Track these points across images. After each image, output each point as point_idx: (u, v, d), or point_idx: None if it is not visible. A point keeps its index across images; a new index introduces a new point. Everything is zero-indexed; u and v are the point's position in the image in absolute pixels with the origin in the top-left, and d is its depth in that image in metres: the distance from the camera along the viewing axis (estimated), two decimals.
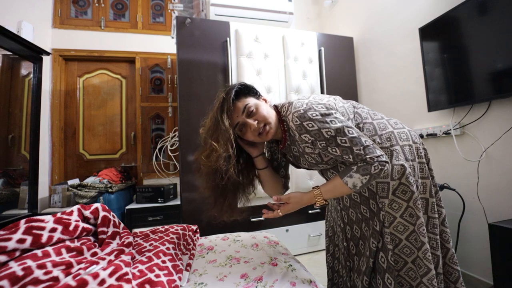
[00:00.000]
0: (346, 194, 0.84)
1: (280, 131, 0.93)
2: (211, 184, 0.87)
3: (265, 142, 1.05)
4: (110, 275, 0.68)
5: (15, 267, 0.63)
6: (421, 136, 1.72)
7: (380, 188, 0.87)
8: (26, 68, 1.86)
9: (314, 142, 0.82)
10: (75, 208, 0.93)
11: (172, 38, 2.09)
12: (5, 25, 1.35)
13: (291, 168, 2.09)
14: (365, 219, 0.93)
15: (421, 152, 0.92)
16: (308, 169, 1.00)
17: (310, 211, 2.07)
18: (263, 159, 0.97)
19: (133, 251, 0.90)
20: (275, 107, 0.95)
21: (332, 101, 0.91)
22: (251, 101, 0.88)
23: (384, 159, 0.77)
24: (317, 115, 0.80)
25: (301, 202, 0.86)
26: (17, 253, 0.69)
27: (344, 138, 0.78)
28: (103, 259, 0.77)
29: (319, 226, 2.10)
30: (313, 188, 0.86)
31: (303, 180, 2.03)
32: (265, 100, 0.93)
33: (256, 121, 0.85)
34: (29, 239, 0.72)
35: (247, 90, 0.91)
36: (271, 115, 0.88)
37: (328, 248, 1.14)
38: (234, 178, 0.84)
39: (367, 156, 0.76)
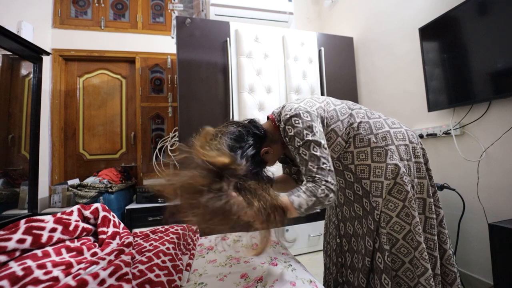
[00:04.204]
0: (292, 215, 0.76)
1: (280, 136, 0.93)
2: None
3: None
4: (110, 275, 0.68)
5: (15, 267, 0.63)
6: (421, 136, 1.72)
7: (373, 187, 0.87)
8: (26, 68, 1.86)
9: (289, 144, 0.85)
10: (75, 208, 0.93)
11: (172, 38, 2.09)
12: (5, 25, 1.35)
13: None
14: (358, 217, 0.94)
15: (418, 152, 0.92)
16: None
17: None
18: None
19: (133, 251, 0.90)
20: (272, 115, 0.96)
21: (323, 106, 0.92)
22: None
23: (332, 187, 0.75)
24: (298, 123, 0.82)
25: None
26: (17, 253, 0.69)
27: (306, 151, 0.79)
28: (103, 259, 0.77)
29: (319, 226, 2.10)
30: None
31: None
32: (266, 152, 0.90)
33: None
34: (29, 239, 0.72)
35: None
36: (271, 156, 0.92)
37: (323, 245, 1.17)
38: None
39: (317, 176, 0.76)
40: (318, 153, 0.78)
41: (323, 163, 0.78)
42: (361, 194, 0.91)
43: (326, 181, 0.75)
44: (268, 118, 0.97)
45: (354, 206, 0.95)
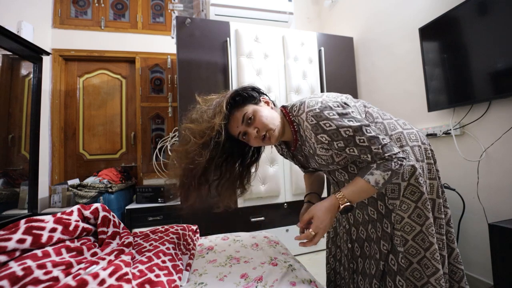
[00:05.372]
0: (370, 194, 0.79)
1: (290, 133, 0.89)
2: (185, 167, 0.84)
3: (278, 150, 1.07)
4: (110, 275, 0.68)
5: (15, 267, 0.63)
6: None
7: (389, 189, 0.86)
8: (26, 68, 1.86)
9: (331, 142, 0.79)
10: (75, 208, 0.93)
11: (172, 38, 2.09)
12: (5, 25, 1.35)
13: (294, 168, 2.07)
14: (372, 221, 0.93)
15: (429, 153, 0.92)
16: (316, 169, 0.99)
17: None
18: (315, 198, 1.00)
19: (133, 251, 0.90)
20: (284, 108, 0.91)
21: (345, 99, 0.88)
22: (249, 108, 0.83)
23: (401, 155, 0.76)
24: (334, 114, 0.77)
25: (325, 210, 0.78)
26: (17, 253, 0.69)
27: (363, 137, 0.76)
28: (103, 259, 0.77)
29: None
30: (334, 193, 0.82)
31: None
32: (267, 103, 0.89)
33: (256, 129, 0.82)
34: (29, 239, 0.72)
35: (243, 99, 0.85)
36: (273, 120, 0.84)
37: (330, 250, 1.13)
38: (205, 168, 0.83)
39: (386, 155, 0.75)
40: (373, 133, 0.76)
41: (383, 139, 0.76)
42: (376, 197, 0.90)
43: (395, 155, 0.75)
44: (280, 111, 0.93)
45: (368, 209, 0.93)
